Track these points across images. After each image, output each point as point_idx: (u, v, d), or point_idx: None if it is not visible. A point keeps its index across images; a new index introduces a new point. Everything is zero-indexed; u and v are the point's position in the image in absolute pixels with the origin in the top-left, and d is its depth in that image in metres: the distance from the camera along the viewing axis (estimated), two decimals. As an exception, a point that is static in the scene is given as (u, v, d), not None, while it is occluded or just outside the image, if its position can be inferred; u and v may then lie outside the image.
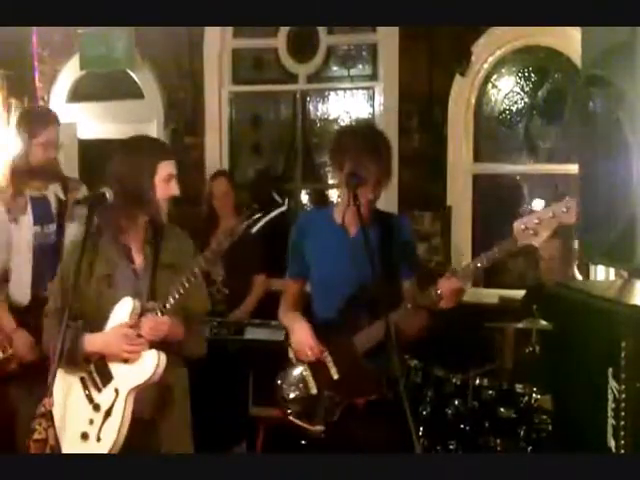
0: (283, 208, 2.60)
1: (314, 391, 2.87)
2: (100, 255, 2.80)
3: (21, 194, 3.64)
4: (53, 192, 3.69)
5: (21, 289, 3.63)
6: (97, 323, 2.77)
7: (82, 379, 2.78)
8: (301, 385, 2.91)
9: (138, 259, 2.82)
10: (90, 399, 2.74)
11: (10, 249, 3.64)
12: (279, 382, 2.96)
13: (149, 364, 2.68)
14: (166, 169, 2.77)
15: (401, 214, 3.30)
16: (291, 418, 2.91)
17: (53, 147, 3.66)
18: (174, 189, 2.78)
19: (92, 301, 2.78)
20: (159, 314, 2.67)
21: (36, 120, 3.68)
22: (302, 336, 2.90)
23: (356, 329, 2.83)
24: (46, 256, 3.58)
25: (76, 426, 2.74)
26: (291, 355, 2.97)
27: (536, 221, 2.49)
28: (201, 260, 2.66)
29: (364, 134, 2.92)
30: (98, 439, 2.69)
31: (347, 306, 2.87)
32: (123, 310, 2.73)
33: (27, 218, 3.63)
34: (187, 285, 2.64)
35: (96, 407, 2.72)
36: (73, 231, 3.57)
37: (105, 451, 2.67)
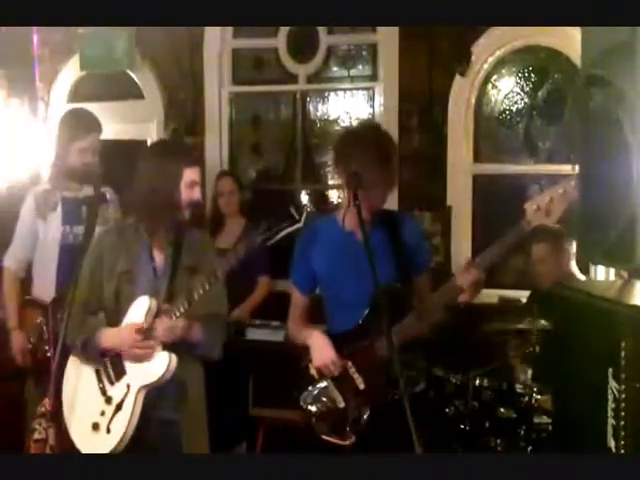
0: (299, 225, 2.60)
1: (342, 405, 2.83)
2: (123, 251, 2.86)
3: (53, 192, 3.66)
4: (85, 194, 3.70)
5: (45, 287, 3.65)
6: (116, 318, 2.85)
7: (97, 371, 2.85)
8: (327, 400, 2.86)
9: (159, 258, 2.89)
10: (103, 391, 2.81)
11: (35, 244, 3.66)
12: (304, 401, 2.91)
13: (160, 365, 2.73)
14: (190, 175, 2.85)
15: (402, 214, 3.27)
16: (324, 437, 2.85)
17: (92, 153, 3.68)
18: (196, 194, 2.86)
19: (111, 296, 2.85)
20: (175, 316, 2.71)
21: (79, 125, 3.70)
22: (324, 352, 2.85)
23: (375, 335, 2.75)
24: (72, 257, 3.58)
25: (88, 416, 2.81)
26: (313, 372, 2.91)
27: (547, 199, 2.45)
28: (220, 266, 2.68)
29: (371, 139, 2.84)
30: (108, 431, 2.75)
31: (363, 312, 2.83)
32: (139, 309, 2.78)
33: (56, 217, 3.65)
34: (202, 292, 2.69)
35: (108, 400, 2.78)
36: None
37: (114, 443, 2.72)
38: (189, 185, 2.83)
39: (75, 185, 3.68)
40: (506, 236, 2.57)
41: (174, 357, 2.73)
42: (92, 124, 3.74)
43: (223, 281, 2.80)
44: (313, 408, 2.88)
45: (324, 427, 2.85)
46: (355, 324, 2.85)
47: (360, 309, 2.84)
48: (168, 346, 2.75)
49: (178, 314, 2.72)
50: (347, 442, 2.79)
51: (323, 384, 2.88)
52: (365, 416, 2.78)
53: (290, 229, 2.60)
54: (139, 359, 2.75)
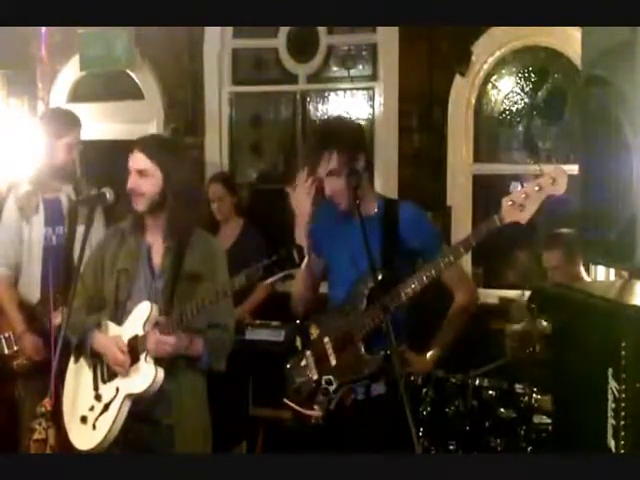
0: (299, 269, 2.59)
1: (315, 377, 2.88)
2: (124, 250, 2.87)
3: (35, 194, 3.67)
4: (65, 194, 3.72)
5: (31, 288, 3.66)
6: (117, 314, 2.86)
7: (94, 366, 2.85)
8: (303, 370, 2.93)
9: (157, 258, 2.86)
10: (95, 386, 2.84)
11: (22, 248, 3.67)
12: (287, 372, 2.99)
13: (145, 379, 2.72)
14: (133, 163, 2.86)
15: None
16: (286, 400, 2.93)
17: (76, 149, 3.70)
18: (129, 184, 2.85)
19: (112, 292, 2.86)
20: (168, 332, 2.70)
21: (63, 121, 3.72)
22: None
23: (355, 316, 2.82)
24: (56, 257, 3.61)
25: (80, 407, 2.84)
26: (297, 343, 2.99)
27: (523, 196, 2.44)
28: (217, 292, 2.66)
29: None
30: (94, 427, 2.78)
31: (351, 293, 2.87)
32: (139, 315, 2.78)
33: (39, 219, 3.66)
34: (195, 312, 2.67)
35: (98, 397, 2.81)
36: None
37: (97, 441, 2.75)
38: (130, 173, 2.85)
39: (56, 185, 3.70)
40: (478, 229, 2.57)
41: (160, 372, 2.71)
42: (75, 121, 3.79)
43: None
44: (292, 377, 2.96)
45: (297, 397, 2.91)
46: (340, 303, 2.91)
47: (348, 289, 2.88)
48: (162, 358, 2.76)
49: (171, 330, 2.70)
50: (313, 413, 2.82)
51: (302, 355, 2.95)
52: (332, 391, 2.81)
53: (289, 272, 2.58)
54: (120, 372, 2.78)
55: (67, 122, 3.72)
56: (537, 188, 2.42)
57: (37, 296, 3.64)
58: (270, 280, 2.56)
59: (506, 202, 2.47)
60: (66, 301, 3.44)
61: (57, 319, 3.33)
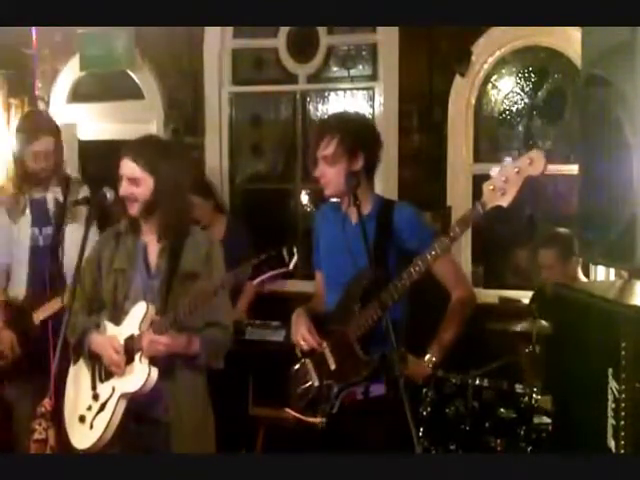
0: (287, 269, 2.56)
1: (316, 383, 2.88)
2: (121, 250, 2.88)
3: (21, 195, 3.68)
4: (52, 194, 3.72)
5: (17, 288, 3.68)
6: (116, 314, 2.86)
7: (92, 366, 2.86)
8: (304, 378, 2.92)
9: (152, 258, 2.87)
10: (93, 386, 2.84)
11: (10, 248, 3.69)
12: (288, 376, 2.98)
13: (139, 378, 2.73)
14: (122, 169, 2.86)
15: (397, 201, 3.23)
16: (288, 410, 2.92)
17: (46, 157, 3.64)
18: (121, 190, 2.86)
19: (110, 292, 2.87)
20: (161, 332, 2.70)
21: (34, 128, 3.69)
22: (297, 327, 2.93)
23: (351, 317, 2.81)
24: (43, 257, 3.63)
25: (79, 407, 2.85)
26: (297, 350, 2.98)
27: (503, 179, 2.40)
28: (212, 289, 2.66)
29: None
30: (91, 426, 2.79)
31: (344, 295, 2.87)
32: (136, 315, 2.78)
33: (26, 219, 3.67)
34: (189, 312, 2.67)
35: (95, 396, 2.82)
36: (73, 233, 3.59)
37: (94, 439, 2.76)
38: (121, 179, 2.84)
39: (40, 186, 3.70)
40: (463, 219, 2.55)
41: (154, 371, 2.72)
42: (46, 128, 3.71)
43: (228, 290, 2.77)
44: (293, 385, 2.95)
45: (298, 403, 2.91)
46: (336, 305, 2.90)
47: (344, 291, 2.87)
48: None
49: (164, 330, 2.70)
50: (317, 420, 2.81)
51: (302, 362, 2.95)
52: (334, 396, 2.80)
53: (278, 271, 2.57)
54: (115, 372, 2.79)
55: (38, 130, 3.65)
56: (516, 170, 2.40)
57: (23, 295, 3.66)
58: (259, 279, 2.56)
59: (487, 187, 2.45)
60: (51, 299, 3.52)
61: (41, 315, 3.48)
